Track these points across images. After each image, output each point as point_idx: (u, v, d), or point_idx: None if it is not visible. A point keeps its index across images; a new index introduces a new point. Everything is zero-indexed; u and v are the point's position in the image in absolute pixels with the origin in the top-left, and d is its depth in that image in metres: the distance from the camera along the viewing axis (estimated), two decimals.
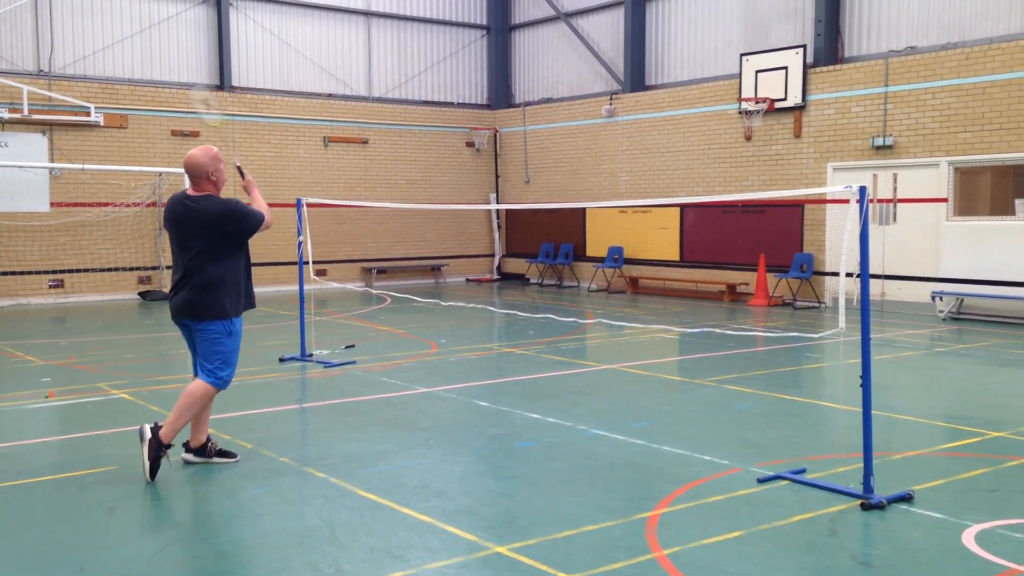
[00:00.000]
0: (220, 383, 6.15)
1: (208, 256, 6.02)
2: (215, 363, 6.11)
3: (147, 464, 5.90)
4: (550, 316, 14.01)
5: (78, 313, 16.10)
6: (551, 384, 9.31)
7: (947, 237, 14.77)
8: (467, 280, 22.56)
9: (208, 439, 6.41)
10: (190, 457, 6.37)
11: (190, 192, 6.15)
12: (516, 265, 22.75)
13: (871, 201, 15.46)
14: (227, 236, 6.06)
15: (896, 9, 15.72)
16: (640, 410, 8.10)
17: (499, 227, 23.11)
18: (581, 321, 14.56)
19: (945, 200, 14.80)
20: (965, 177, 14.71)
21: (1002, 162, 14.17)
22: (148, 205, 18.00)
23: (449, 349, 11.63)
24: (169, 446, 6.02)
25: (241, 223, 6.08)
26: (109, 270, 17.88)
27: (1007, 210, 14.21)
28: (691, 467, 6.27)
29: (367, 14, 21.48)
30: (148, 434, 5.93)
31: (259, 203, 6.32)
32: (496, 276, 22.96)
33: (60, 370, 10.33)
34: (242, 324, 6.24)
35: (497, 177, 23.16)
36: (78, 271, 17.70)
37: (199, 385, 6.09)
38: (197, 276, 6.02)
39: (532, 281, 22.03)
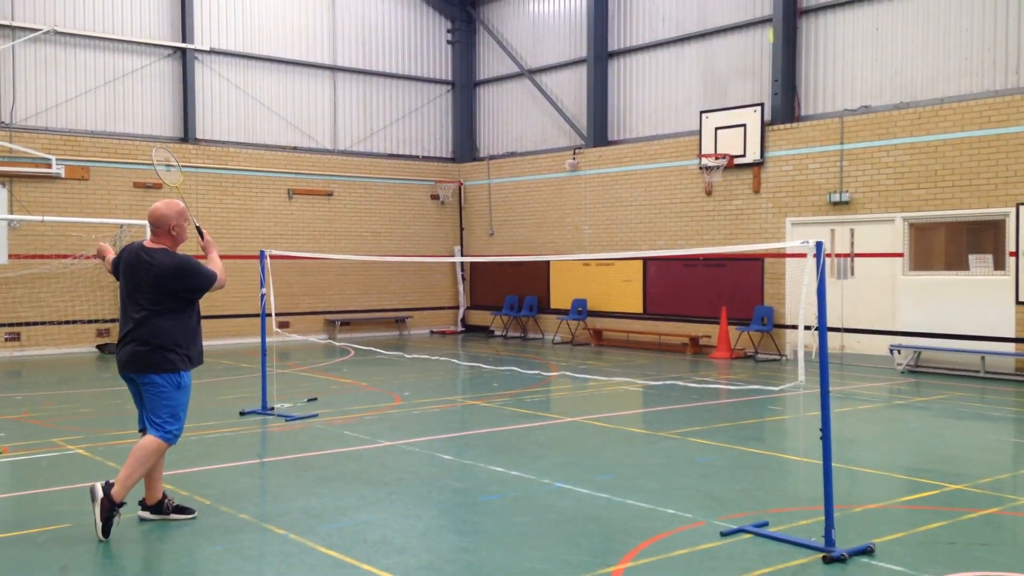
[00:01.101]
0: (170, 437, 6.05)
1: (158, 309, 5.97)
2: (163, 417, 6.01)
3: (99, 524, 5.78)
4: (514, 368, 14.00)
5: (34, 366, 15.81)
6: (515, 437, 9.28)
7: (903, 291, 15.05)
8: (431, 332, 22.52)
9: (164, 495, 6.30)
10: (146, 514, 6.25)
11: (147, 244, 6.14)
12: (480, 317, 22.76)
13: (829, 256, 15.73)
14: (178, 291, 6.01)
15: (850, 70, 16.18)
16: (604, 463, 8.09)
17: (463, 279, 23.16)
18: (545, 373, 14.56)
19: (901, 255, 15.10)
20: (920, 233, 15.04)
21: (955, 218, 14.52)
22: None
23: (413, 402, 11.57)
24: (122, 504, 5.90)
25: (192, 280, 6.04)
26: (67, 323, 17.62)
27: (961, 265, 14.52)
28: (655, 521, 6.26)
29: (333, 69, 21.66)
30: (100, 493, 5.82)
31: (215, 264, 6.29)
32: (460, 328, 22.94)
33: (15, 425, 10.11)
34: (191, 378, 6.16)
35: (461, 230, 23.28)
36: (35, 324, 17.42)
37: (150, 440, 5.99)
38: (146, 329, 5.96)
39: (496, 333, 22.03)
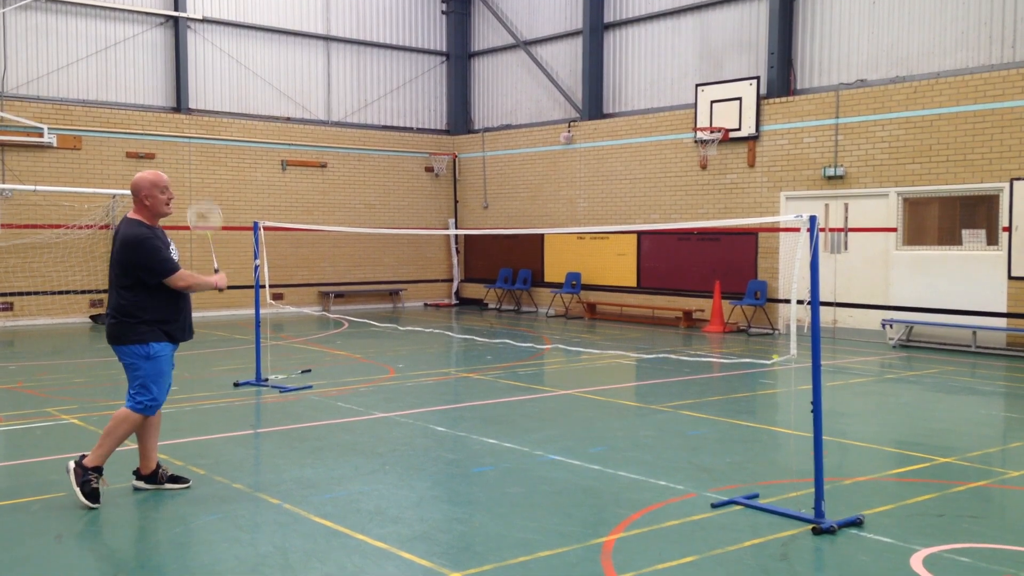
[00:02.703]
0: (140, 408, 6.03)
1: (125, 281, 5.96)
2: (134, 387, 6.04)
3: (77, 490, 5.84)
4: (508, 341, 14.03)
5: (28, 337, 15.80)
6: (508, 409, 9.32)
7: (896, 266, 15.09)
8: (425, 305, 22.53)
9: (158, 465, 6.32)
10: (141, 484, 6.28)
11: (129, 214, 6.16)
12: (474, 290, 22.77)
13: (822, 230, 15.75)
14: (127, 265, 5.93)
15: (847, 44, 16.11)
16: (596, 435, 8.14)
17: (457, 252, 23.14)
18: (539, 346, 14.60)
19: (894, 230, 15.12)
20: (914, 207, 15.05)
21: (949, 193, 14.53)
22: (101, 227, 17.75)
23: (406, 374, 11.60)
24: (98, 469, 5.94)
25: (141, 258, 5.90)
26: (60, 293, 17.58)
27: (954, 240, 14.55)
28: (646, 492, 6.31)
29: (327, 39, 21.50)
30: (72, 464, 5.94)
31: (196, 274, 6.15)
32: (454, 301, 22.95)
33: (8, 395, 10.12)
34: (168, 351, 6.08)
35: (456, 202, 23.22)
36: (28, 294, 17.38)
37: (122, 410, 6.05)
38: (117, 300, 6.00)
39: (490, 306, 22.05)
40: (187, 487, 6.33)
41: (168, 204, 6.15)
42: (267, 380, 10.61)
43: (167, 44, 19.33)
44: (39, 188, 16.84)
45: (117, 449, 6.14)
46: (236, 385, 10.49)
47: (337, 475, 6.74)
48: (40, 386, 10.62)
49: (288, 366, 11.83)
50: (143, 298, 5.99)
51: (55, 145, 17.44)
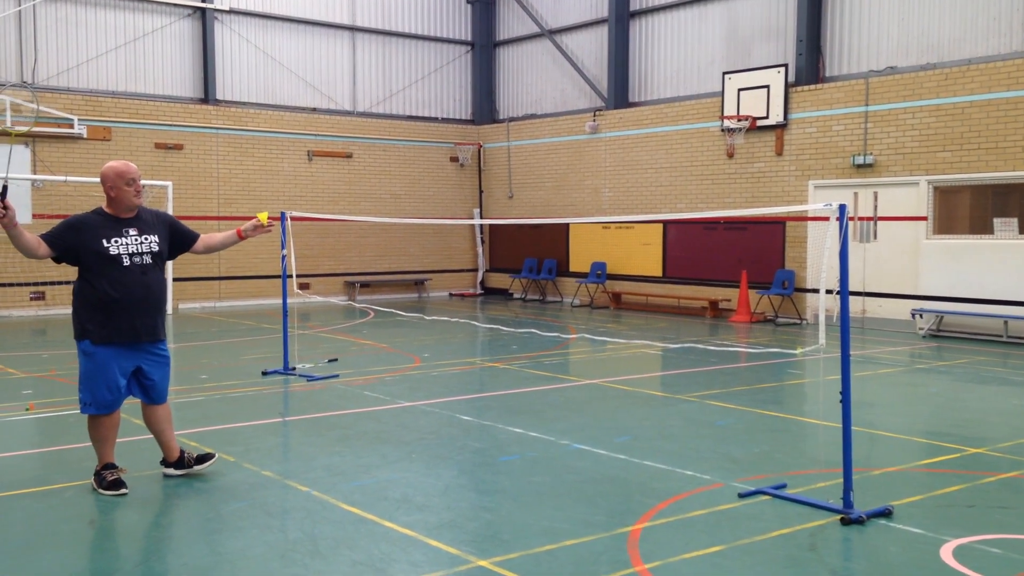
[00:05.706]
0: (81, 405, 5.96)
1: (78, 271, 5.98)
2: (79, 382, 5.98)
3: (102, 491, 5.91)
4: (533, 331, 14.04)
5: (59, 325, 15.98)
6: (534, 399, 9.33)
7: (926, 255, 14.92)
8: (450, 295, 22.57)
9: (182, 451, 6.36)
10: (170, 471, 6.33)
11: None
12: (499, 280, 22.78)
13: (851, 219, 15.60)
14: None
15: (876, 30, 15.93)
16: (622, 425, 8.13)
17: (483, 242, 23.15)
18: (564, 336, 14.60)
19: (925, 218, 14.95)
20: (944, 196, 14.88)
21: (980, 181, 14.35)
22: None
23: (432, 363, 11.64)
24: (107, 466, 5.99)
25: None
26: None
27: (985, 229, 14.37)
28: (673, 482, 6.30)
29: (352, 29, 21.54)
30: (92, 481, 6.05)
31: (23, 234, 5.68)
32: (479, 291, 22.98)
33: (41, 382, 10.27)
34: (101, 351, 5.83)
35: (481, 192, 23.23)
36: (59, 283, 17.55)
37: None
38: None
39: (515, 296, 22.06)
40: (214, 461, 6.40)
41: (138, 195, 6.06)
42: (294, 369, 10.69)
43: (195, 35, 19.45)
44: (69, 179, 16.99)
45: (142, 438, 6.20)
46: (264, 374, 10.58)
47: (365, 463, 6.79)
48: (72, 374, 10.71)
49: (315, 355, 11.90)
50: (81, 288, 5.94)
51: (85, 136, 17.61)
